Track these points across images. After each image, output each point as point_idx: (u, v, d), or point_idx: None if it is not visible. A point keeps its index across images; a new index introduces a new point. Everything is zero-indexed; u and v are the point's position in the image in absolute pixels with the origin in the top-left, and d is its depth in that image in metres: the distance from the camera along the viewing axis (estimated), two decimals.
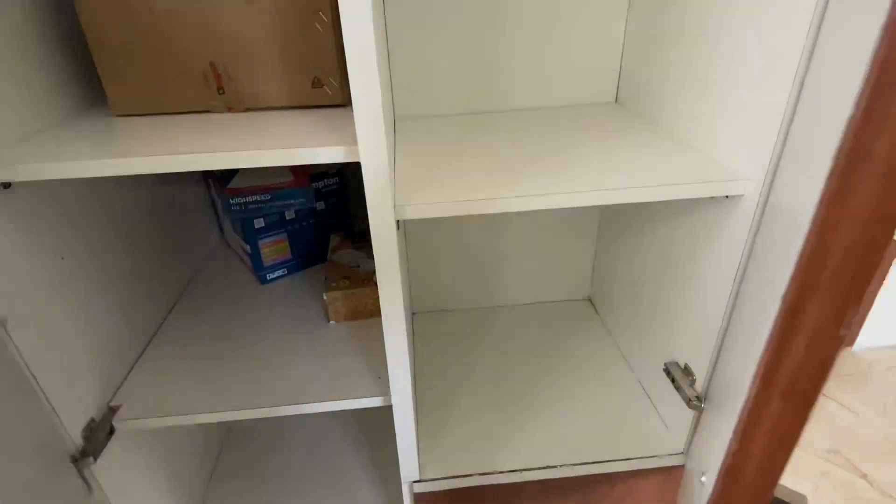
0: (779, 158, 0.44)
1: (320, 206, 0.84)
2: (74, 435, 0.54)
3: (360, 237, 0.82)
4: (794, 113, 0.42)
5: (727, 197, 0.50)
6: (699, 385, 0.59)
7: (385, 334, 0.51)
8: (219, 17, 0.51)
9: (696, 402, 0.58)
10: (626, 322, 0.79)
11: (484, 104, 0.75)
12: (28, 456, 0.48)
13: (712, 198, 0.53)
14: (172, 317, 0.75)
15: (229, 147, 0.44)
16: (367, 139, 0.41)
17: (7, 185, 0.48)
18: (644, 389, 0.74)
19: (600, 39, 0.72)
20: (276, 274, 0.83)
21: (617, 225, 0.79)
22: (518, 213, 0.85)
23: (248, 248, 0.79)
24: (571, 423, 0.69)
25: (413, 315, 0.93)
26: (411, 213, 0.47)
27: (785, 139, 0.43)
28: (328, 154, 0.43)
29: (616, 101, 0.76)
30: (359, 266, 0.75)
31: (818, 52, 0.39)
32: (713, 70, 0.52)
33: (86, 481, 0.55)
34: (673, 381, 0.62)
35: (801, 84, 0.41)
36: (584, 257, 0.91)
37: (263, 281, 0.82)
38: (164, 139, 0.48)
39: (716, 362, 0.56)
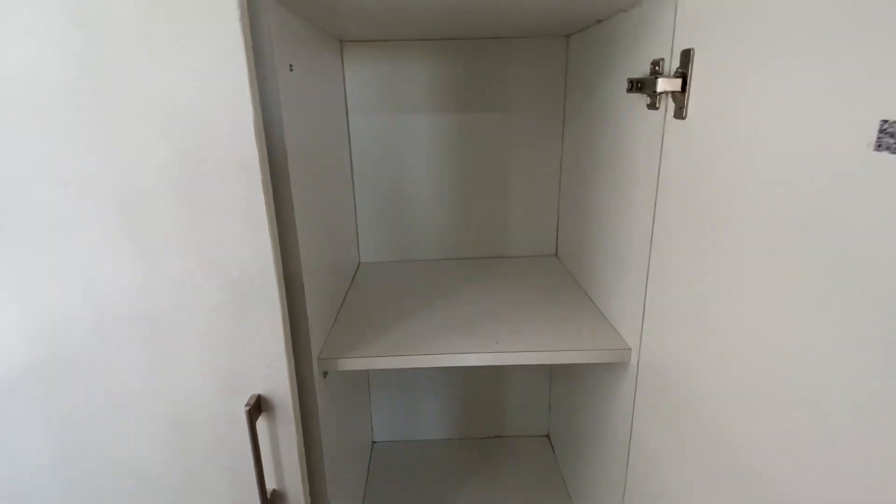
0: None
1: None
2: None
3: None
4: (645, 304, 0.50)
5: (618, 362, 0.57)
6: None
7: None
8: None
9: None
10: (575, 460, 0.81)
11: (445, 254, 0.86)
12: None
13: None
14: None
15: None
16: None
17: None
18: None
19: (540, 209, 0.84)
20: None
21: (564, 368, 0.85)
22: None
23: None
24: None
25: (373, 444, 0.96)
26: (340, 366, 0.54)
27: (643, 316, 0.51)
28: None
29: (556, 254, 0.85)
30: None
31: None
32: (608, 243, 0.61)
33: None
34: None
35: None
36: (540, 395, 0.95)
37: None
38: None
39: None
